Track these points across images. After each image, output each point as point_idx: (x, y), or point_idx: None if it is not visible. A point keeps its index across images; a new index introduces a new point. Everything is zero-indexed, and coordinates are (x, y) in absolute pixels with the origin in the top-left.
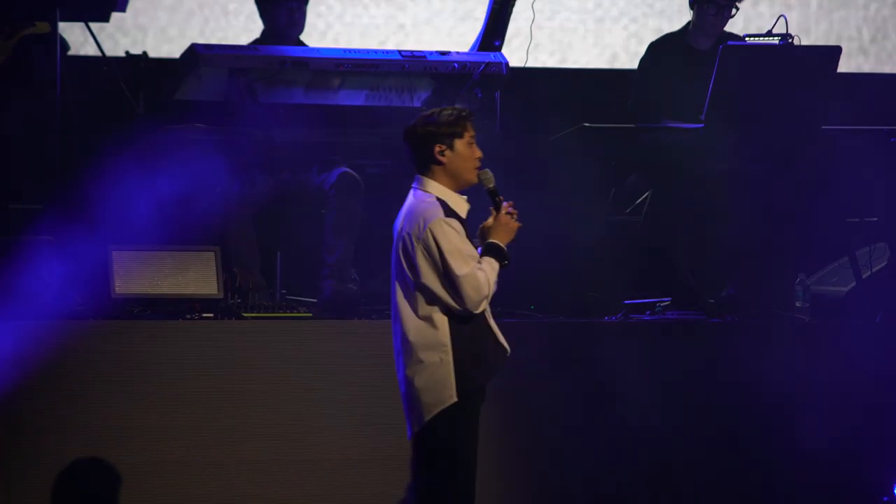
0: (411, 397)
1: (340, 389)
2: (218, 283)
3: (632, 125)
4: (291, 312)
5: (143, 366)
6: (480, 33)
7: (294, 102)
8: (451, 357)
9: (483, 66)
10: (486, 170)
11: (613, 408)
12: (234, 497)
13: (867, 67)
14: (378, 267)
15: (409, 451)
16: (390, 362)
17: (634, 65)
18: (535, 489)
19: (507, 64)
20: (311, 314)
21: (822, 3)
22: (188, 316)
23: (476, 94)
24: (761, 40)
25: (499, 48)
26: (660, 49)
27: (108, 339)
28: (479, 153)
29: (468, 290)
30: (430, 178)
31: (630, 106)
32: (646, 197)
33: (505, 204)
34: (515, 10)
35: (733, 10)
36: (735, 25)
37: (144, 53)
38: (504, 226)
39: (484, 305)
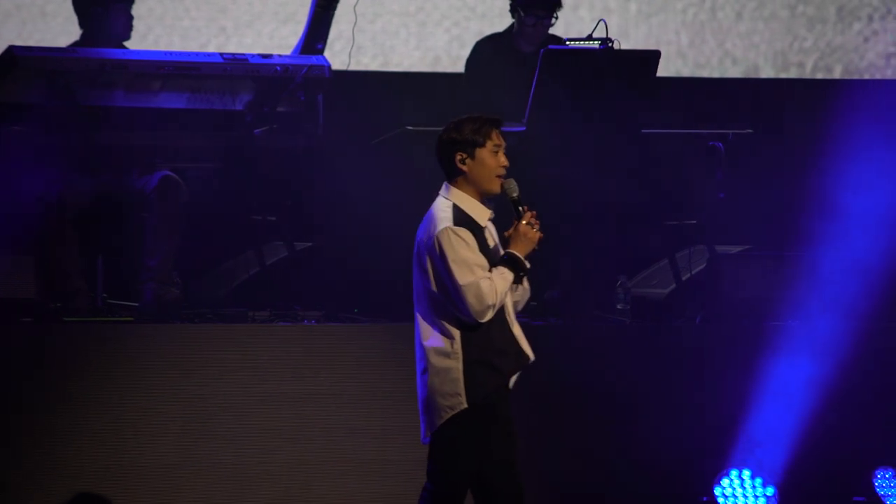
0: (426, 401)
1: (161, 394)
2: (37, 287)
3: None
4: (112, 316)
5: None
6: (302, 36)
7: (115, 105)
8: (461, 364)
9: (305, 69)
10: (511, 179)
11: None
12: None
13: (685, 71)
14: (202, 269)
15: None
16: (211, 366)
17: (457, 68)
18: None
19: (329, 67)
20: (132, 318)
21: (642, 8)
22: (6, 321)
23: (299, 98)
24: (582, 44)
25: (321, 51)
26: (485, 48)
27: None
28: (503, 161)
29: (470, 299)
30: (455, 185)
31: (456, 106)
32: None
33: (527, 213)
34: (337, 13)
35: (552, 20)
36: (556, 29)
37: None
38: (522, 236)
39: (489, 315)
